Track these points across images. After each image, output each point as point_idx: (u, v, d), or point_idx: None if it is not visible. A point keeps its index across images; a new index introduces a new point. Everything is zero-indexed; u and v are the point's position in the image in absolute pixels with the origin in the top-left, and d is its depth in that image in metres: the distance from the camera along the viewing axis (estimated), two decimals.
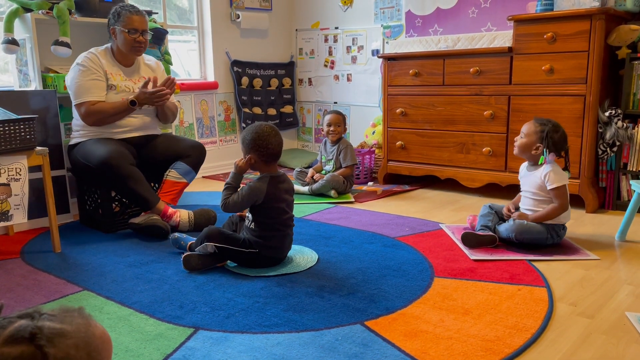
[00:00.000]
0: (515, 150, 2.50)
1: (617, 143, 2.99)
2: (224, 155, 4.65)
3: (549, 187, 2.35)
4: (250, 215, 2.21)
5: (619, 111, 2.98)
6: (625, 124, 2.96)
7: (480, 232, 2.44)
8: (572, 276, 2.10)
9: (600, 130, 3.01)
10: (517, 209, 2.53)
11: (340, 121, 3.65)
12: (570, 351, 1.54)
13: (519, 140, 2.48)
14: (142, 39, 2.80)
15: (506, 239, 2.42)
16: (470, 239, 2.41)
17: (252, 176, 2.12)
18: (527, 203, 2.47)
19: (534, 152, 2.42)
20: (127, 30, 2.75)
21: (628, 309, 1.81)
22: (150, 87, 2.75)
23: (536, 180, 2.41)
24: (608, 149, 3.02)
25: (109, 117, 2.76)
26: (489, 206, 2.58)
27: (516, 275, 2.09)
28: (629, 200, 2.63)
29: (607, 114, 2.97)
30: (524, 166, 2.55)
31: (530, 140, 2.42)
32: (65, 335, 0.73)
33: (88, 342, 0.75)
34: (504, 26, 3.67)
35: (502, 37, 3.30)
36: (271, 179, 2.18)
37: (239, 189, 2.20)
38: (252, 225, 2.19)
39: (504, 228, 2.42)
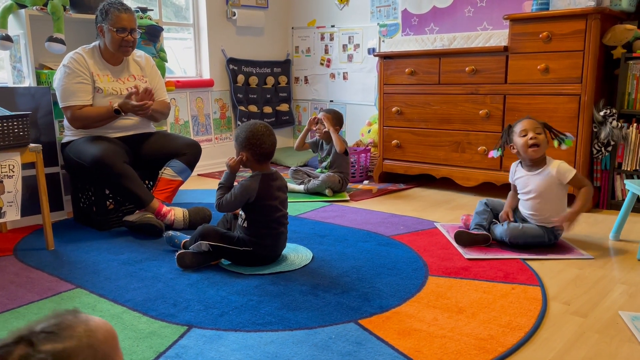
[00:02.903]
0: (540, 150, 2.35)
1: (612, 143, 3.00)
2: (220, 153, 4.64)
3: (569, 178, 2.33)
4: (243, 214, 2.20)
5: (614, 111, 2.98)
6: (619, 124, 2.97)
7: (474, 232, 2.44)
8: (566, 275, 2.11)
9: (595, 130, 3.02)
10: (515, 211, 2.51)
11: (328, 119, 3.54)
12: (564, 350, 1.54)
13: (538, 138, 2.34)
14: (131, 38, 2.75)
15: (500, 241, 2.42)
16: (464, 238, 2.41)
17: (246, 174, 2.11)
18: (530, 206, 2.40)
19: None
20: (115, 30, 2.69)
21: (621, 308, 1.81)
22: (134, 98, 2.71)
23: (544, 180, 2.35)
24: (603, 148, 3.02)
25: (94, 123, 2.74)
26: (485, 203, 2.57)
27: (510, 274, 2.09)
28: (624, 200, 2.63)
29: (602, 113, 2.98)
30: (517, 167, 2.49)
31: (545, 135, 2.38)
32: (70, 356, 0.68)
33: (95, 353, 0.71)
34: (499, 25, 3.68)
35: (498, 36, 3.30)
36: (263, 177, 2.17)
37: (232, 188, 2.19)
38: (245, 224, 2.18)
39: (498, 231, 2.41)
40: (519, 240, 2.35)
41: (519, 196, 2.48)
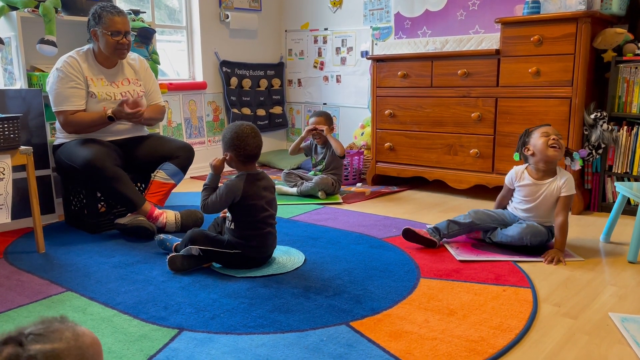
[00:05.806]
0: (559, 152, 2.34)
1: (603, 145, 3.02)
2: (213, 156, 4.55)
3: (564, 194, 2.32)
4: (229, 215, 2.20)
5: (605, 114, 3.01)
6: (610, 127, 2.99)
7: (424, 232, 2.45)
8: (556, 277, 2.12)
9: (585, 133, 3.04)
10: (504, 207, 2.55)
11: (322, 123, 3.59)
12: (554, 351, 1.55)
13: (559, 141, 2.34)
14: (126, 40, 2.74)
15: (517, 242, 2.35)
16: (409, 235, 2.45)
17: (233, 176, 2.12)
18: (529, 209, 2.40)
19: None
20: (109, 33, 2.68)
21: (611, 309, 1.82)
22: (126, 106, 2.69)
23: (552, 191, 2.35)
24: (593, 151, 3.04)
25: (87, 128, 2.73)
26: (472, 221, 2.47)
27: (501, 276, 2.10)
28: (614, 202, 2.65)
29: (592, 116, 3.00)
30: (523, 173, 2.42)
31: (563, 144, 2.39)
32: (59, 356, 0.71)
33: (83, 355, 0.74)
34: (491, 29, 3.70)
35: (490, 40, 3.32)
36: (248, 176, 2.17)
37: (217, 189, 2.19)
38: (232, 226, 2.18)
39: (514, 232, 2.36)
40: (538, 239, 2.34)
41: (519, 199, 2.44)
